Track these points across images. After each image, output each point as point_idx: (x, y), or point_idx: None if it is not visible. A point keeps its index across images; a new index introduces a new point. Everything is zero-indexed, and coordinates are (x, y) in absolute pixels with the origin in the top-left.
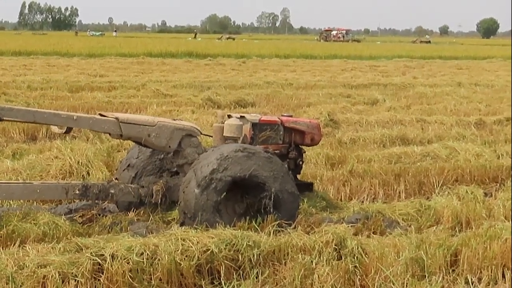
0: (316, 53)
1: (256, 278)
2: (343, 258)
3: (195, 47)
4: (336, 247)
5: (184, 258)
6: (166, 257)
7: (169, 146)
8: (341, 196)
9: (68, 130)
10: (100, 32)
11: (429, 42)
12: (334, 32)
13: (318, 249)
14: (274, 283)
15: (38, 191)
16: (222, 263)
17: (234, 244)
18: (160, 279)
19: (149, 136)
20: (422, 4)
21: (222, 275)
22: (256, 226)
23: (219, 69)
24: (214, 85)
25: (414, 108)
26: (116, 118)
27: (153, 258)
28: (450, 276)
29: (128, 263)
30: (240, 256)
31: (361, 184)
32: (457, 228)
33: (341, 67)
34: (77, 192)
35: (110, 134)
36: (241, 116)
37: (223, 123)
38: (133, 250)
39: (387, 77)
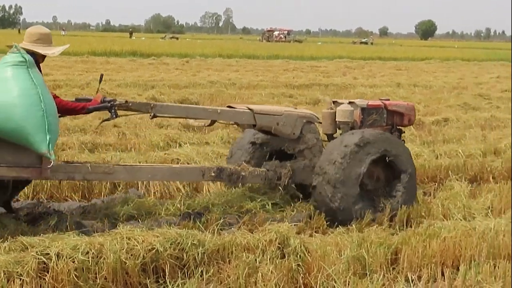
0: (258, 53)
1: (201, 276)
2: (286, 257)
3: (139, 47)
4: (280, 246)
5: (130, 257)
6: (112, 256)
7: (294, 133)
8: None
9: (212, 123)
10: None
11: (367, 43)
12: (276, 33)
13: (262, 247)
14: (219, 282)
15: (178, 173)
16: (167, 262)
17: (179, 243)
18: (105, 278)
19: (278, 124)
20: (362, 5)
21: (167, 273)
22: (200, 225)
23: (163, 68)
24: (158, 84)
25: None
26: (251, 110)
27: (99, 257)
28: (390, 274)
29: (73, 262)
30: (184, 255)
31: None
32: (397, 227)
33: (283, 67)
34: (213, 174)
35: (238, 125)
36: (350, 102)
37: (332, 109)
38: (78, 249)
39: (328, 77)
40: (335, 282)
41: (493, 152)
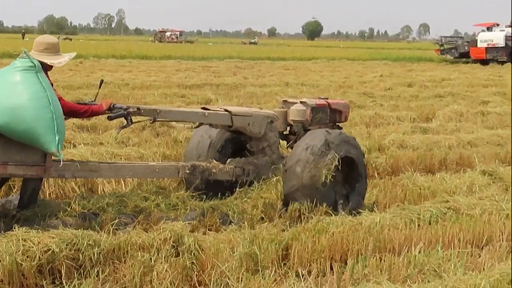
0: (151, 53)
1: (97, 276)
2: (181, 255)
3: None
4: (174, 244)
5: (25, 259)
6: (7, 258)
7: (260, 132)
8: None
9: (199, 125)
10: None
11: (256, 43)
12: (168, 33)
13: (157, 246)
14: (115, 281)
15: (157, 170)
16: (63, 263)
17: (74, 243)
18: (1, 280)
19: (249, 125)
20: (251, 6)
21: (63, 274)
22: (96, 225)
23: (57, 69)
24: None
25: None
26: (229, 112)
27: None
28: (282, 270)
29: None
30: (80, 256)
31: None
32: (288, 223)
33: (175, 67)
34: (187, 171)
35: (211, 125)
36: (301, 102)
37: (283, 108)
38: None
39: (219, 77)
40: (228, 278)
41: (377, 149)
